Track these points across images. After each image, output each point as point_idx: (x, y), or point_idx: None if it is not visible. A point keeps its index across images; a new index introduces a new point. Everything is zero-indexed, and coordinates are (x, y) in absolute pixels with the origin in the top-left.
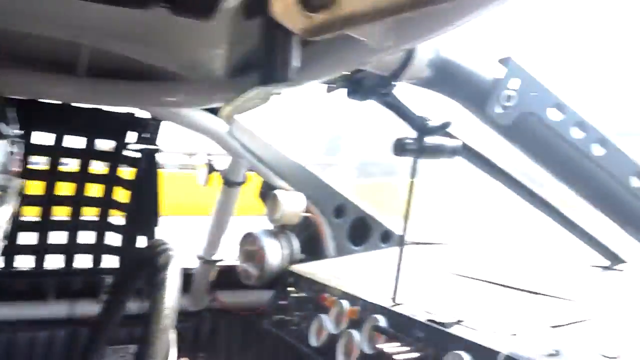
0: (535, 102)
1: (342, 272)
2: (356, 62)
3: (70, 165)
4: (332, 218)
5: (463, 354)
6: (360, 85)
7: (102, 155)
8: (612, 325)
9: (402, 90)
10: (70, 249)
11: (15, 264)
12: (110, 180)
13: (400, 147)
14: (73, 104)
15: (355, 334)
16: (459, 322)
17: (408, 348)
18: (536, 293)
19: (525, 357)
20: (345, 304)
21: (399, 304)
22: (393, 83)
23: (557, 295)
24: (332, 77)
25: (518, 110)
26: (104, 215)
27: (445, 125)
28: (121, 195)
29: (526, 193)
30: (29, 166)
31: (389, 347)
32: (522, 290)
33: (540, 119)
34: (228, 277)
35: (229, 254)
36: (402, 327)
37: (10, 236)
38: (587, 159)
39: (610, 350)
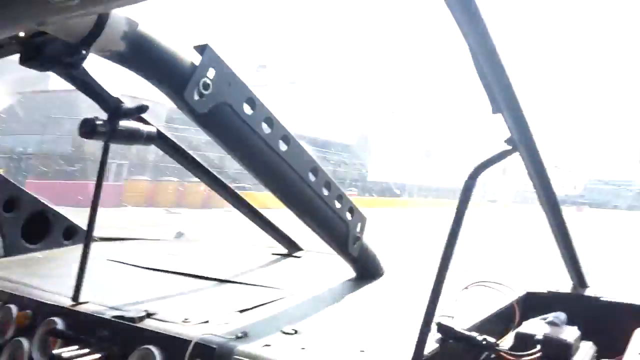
0: (230, 94)
1: (12, 273)
2: (32, 21)
3: None
4: (1, 212)
5: (152, 347)
6: (39, 52)
7: None
8: (289, 305)
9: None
10: None
11: None
12: None
13: (88, 129)
14: None
15: (24, 342)
16: (149, 315)
17: (88, 350)
18: (225, 281)
19: (215, 341)
20: (13, 308)
21: (82, 303)
22: (83, 53)
23: (244, 281)
24: (1, 38)
25: (214, 100)
26: None
27: (141, 109)
28: None
29: (218, 186)
30: None
31: (66, 352)
32: (212, 279)
33: (234, 111)
34: None
35: None
36: (85, 328)
37: None
38: (274, 154)
39: (288, 327)
